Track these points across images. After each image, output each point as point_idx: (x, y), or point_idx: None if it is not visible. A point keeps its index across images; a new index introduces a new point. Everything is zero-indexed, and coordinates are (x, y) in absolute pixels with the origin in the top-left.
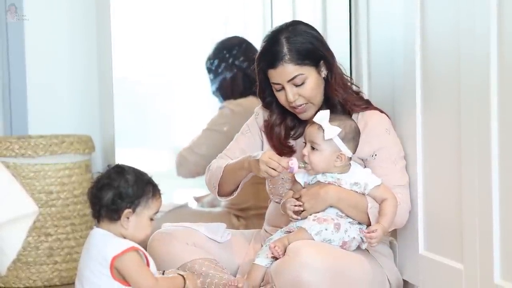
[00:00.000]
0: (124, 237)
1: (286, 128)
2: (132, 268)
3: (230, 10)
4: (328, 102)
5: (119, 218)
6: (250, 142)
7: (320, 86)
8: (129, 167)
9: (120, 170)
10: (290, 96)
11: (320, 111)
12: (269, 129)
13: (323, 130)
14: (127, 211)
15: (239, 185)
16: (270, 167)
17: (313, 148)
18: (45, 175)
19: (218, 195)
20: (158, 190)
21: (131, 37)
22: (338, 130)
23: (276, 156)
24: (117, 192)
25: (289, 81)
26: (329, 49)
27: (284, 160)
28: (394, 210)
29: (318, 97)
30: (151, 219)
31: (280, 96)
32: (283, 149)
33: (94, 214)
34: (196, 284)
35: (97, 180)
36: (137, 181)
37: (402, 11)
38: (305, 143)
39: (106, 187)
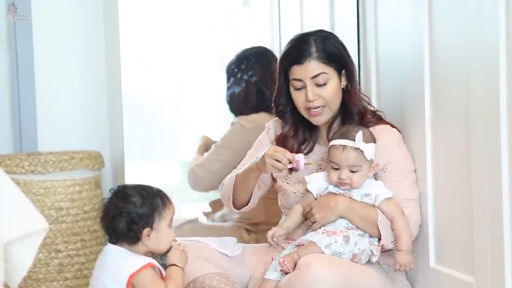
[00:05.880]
0: (150, 253)
1: (298, 143)
2: (147, 285)
3: (237, 22)
4: (346, 112)
5: (139, 240)
6: None
7: (339, 93)
8: (131, 187)
9: (123, 196)
10: (310, 94)
11: (352, 132)
12: (282, 140)
13: (362, 151)
14: (145, 231)
15: (252, 193)
16: (275, 160)
17: (352, 171)
18: (55, 191)
19: (234, 207)
20: (167, 197)
21: (139, 52)
22: (373, 146)
23: (281, 149)
24: (129, 218)
25: (312, 77)
26: (352, 60)
27: (289, 153)
28: (406, 227)
29: (336, 103)
30: (169, 225)
31: (299, 97)
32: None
33: (112, 241)
34: (180, 255)
35: (105, 210)
36: (143, 199)
37: (410, 24)
38: (337, 168)
39: (117, 217)
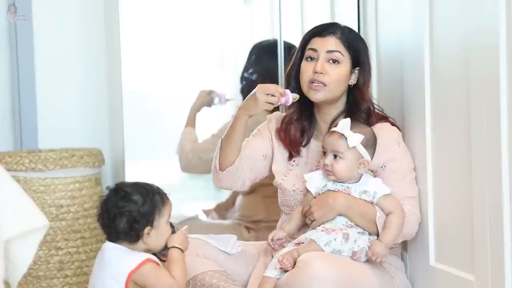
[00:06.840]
0: (149, 250)
1: (300, 130)
2: (150, 277)
3: (238, 21)
4: (354, 108)
5: (139, 238)
6: (259, 142)
7: (345, 82)
8: (130, 185)
9: (124, 194)
10: (319, 66)
11: (341, 120)
12: (287, 123)
13: (346, 138)
14: (146, 229)
15: (239, 152)
16: (268, 94)
17: (335, 157)
18: (55, 189)
19: (220, 170)
20: (165, 195)
21: (140, 50)
22: (361, 137)
23: (271, 85)
24: (131, 217)
25: (328, 52)
26: (370, 62)
27: (280, 87)
28: (399, 224)
29: (338, 89)
30: (167, 222)
31: (308, 67)
32: (295, 149)
33: (110, 239)
34: (183, 239)
35: (105, 209)
36: (144, 198)
37: (411, 22)
38: (325, 152)
39: (118, 216)
